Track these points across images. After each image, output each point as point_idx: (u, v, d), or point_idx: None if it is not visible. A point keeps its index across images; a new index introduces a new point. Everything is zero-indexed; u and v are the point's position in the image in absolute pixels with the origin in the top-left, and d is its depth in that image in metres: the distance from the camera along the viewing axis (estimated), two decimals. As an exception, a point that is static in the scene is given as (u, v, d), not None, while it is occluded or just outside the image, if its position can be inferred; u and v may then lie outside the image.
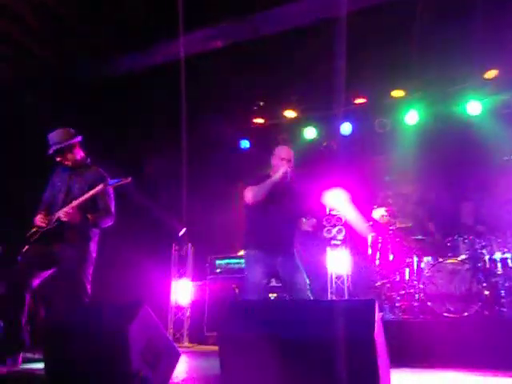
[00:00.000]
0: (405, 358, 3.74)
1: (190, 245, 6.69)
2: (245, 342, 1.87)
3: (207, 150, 6.81)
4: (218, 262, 6.53)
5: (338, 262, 6.19)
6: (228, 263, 6.51)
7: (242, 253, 6.51)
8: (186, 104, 4.73)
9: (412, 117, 6.43)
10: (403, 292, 5.09)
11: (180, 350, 2.62)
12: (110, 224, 3.55)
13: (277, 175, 3.55)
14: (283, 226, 3.59)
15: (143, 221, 6.17)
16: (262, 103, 6.73)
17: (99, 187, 3.32)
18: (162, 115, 6.20)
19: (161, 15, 4.63)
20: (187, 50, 4.92)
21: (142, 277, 5.97)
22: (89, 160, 3.66)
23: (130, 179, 3.35)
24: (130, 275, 5.98)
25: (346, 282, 6.15)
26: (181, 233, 6.46)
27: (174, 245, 6.68)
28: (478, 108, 6.08)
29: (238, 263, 6.45)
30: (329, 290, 6.24)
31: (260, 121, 7.04)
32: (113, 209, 3.55)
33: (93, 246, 3.50)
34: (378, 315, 1.98)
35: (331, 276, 6.24)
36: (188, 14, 4.61)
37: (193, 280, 6.60)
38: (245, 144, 7.31)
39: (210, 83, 5.89)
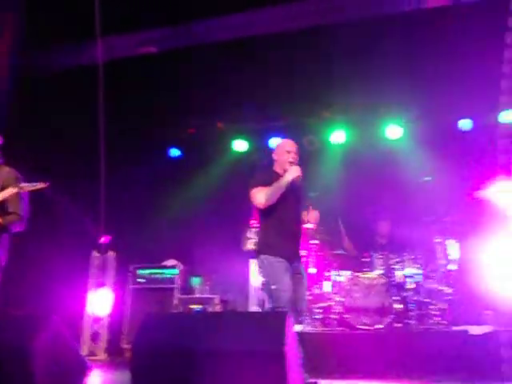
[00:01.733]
0: (322, 369, 3.85)
1: (111, 253, 6.46)
2: (156, 356, 1.83)
3: (134, 156, 6.64)
4: (140, 271, 6.36)
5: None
6: (151, 273, 6.36)
7: (167, 262, 6.41)
8: (106, 107, 4.55)
9: (338, 136, 6.69)
10: (323, 304, 5.25)
11: (95, 362, 2.52)
12: (20, 229, 3.34)
13: (289, 176, 3.31)
14: (297, 227, 3.44)
15: (60, 226, 5.88)
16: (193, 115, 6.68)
17: (10, 190, 3.12)
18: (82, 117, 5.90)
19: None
20: (119, 53, 4.80)
21: (57, 286, 5.66)
22: (1, 160, 3.44)
23: (47, 184, 3.19)
24: (44, 284, 5.66)
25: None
26: (101, 240, 6.22)
27: (93, 252, 6.41)
28: (399, 132, 6.48)
29: (161, 273, 6.32)
30: (250, 302, 6.28)
31: (192, 130, 6.98)
32: (24, 213, 3.34)
33: (1, 252, 3.27)
34: (290, 328, 2.03)
35: (253, 287, 6.27)
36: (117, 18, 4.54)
37: (114, 290, 6.36)
38: (175, 152, 7.22)
39: (140, 88, 5.77)
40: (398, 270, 5.06)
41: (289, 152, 3.44)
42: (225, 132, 7.05)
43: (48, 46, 5.40)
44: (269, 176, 3.41)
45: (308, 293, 5.35)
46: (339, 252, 5.52)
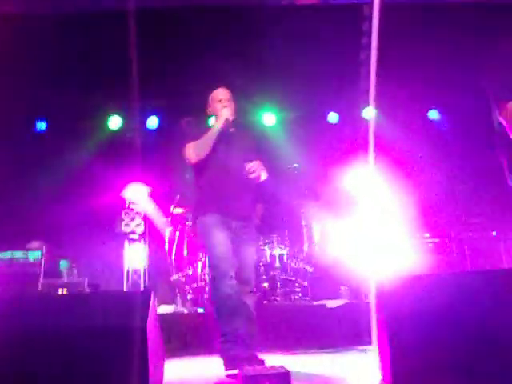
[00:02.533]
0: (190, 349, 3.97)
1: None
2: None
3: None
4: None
5: (136, 256, 6.16)
6: (12, 257, 5.85)
7: (31, 244, 5.95)
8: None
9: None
10: (195, 285, 5.35)
11: None
12: None
13: (217, 123, 3.03)
14: (236, 183, 3.02)
15: None
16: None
17: None
18: None
19: None
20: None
21: None
22: None
23: None
24: None
25: (142, 276, 6.16)
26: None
27: None
28: (273, 119, 6.81)
29: (23, 257, 5.85)
30: (125, 284, 6.16)
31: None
32: None
33: None
34: (152, 307, 2.06)
35: (127, 270, 6.17)
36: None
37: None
38: (41, 126, 6.68)
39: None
40: (267, 250, 5.35)
41: (220, 100, 3.15)
42: (100, 108, 6.71)
43: None
44: (203, 131, 3.07)
45: (180, 274, 5.44)
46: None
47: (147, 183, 5.72)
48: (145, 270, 6.24)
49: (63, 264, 6.18)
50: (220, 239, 2.89)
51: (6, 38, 4.85)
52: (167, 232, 5.60)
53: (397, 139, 6.21)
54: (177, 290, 5.46)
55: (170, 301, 5.46)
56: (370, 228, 5.02)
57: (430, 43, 5.25)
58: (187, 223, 5.38)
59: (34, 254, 5.83)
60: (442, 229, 6.12)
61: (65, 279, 5.96)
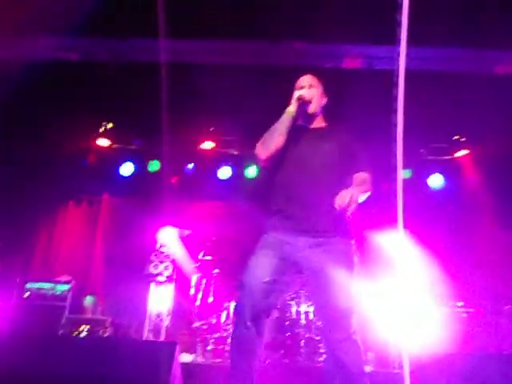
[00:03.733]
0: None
1: (-3, 262, 5.95)
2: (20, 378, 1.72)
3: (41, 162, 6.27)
4: (29, 285, 5.90)
5: (160, 300, 6.13)
6: (40, 288, 5.93)
7: (61, 278, 6.03)
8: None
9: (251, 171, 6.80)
10: (218, 335, 5.24)
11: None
12: None
13: (291, 107, 2.43)
14: (317, 191, 2.32)
15: None
16: (110, 125, 6.50)
17: None
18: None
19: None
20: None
21: None
22: None
23: None
24: None
25: (164, 320, 6.09)
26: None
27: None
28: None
29: (52, 289, 5.92)
30: (146, 326, 6.10)
31: (105, 142, 6.74)
32: None
33: None
34: (177, 359, 2.03)
35: (151, 312, 6.12)
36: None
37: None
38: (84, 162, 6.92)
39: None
40: (293, 305, 5.22)
41: (302, 87, 2.54)
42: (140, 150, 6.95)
43: None
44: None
45: (203, 322, 5.36)
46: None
47: (179, 227, 5.78)
48: (168, 313, 6.18)
49: (89, 300, 6.22)
50: (258, 267, 2.24)
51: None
52: (194, 278, 5.58)
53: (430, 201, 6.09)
54: (198, 339, 5.36)
55: (190, 349, 5.35)
56: (402, 293, 4.85)
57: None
58: (214, 271, 5.35)
59: (63, 288, 5.89)
60: (478, 298, 5.84)
61: (89, 315, 5.97)
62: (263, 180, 2.48)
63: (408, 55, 1.58)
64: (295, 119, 2.47)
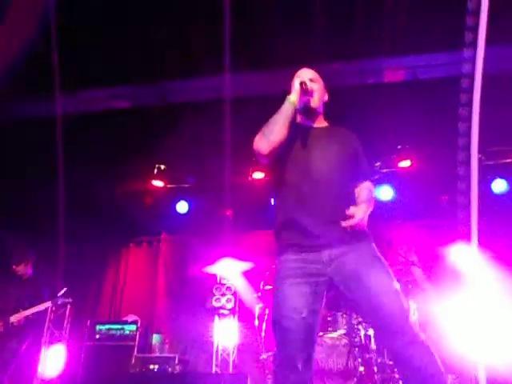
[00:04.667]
0: None
1: (68, 306, 6.18)
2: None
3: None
4: (98, 327, 6.09)
5: (226, 333, 6.11)
6: (109, 328, 6.10)
7: (128, 318, 6.17)
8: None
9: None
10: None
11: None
12: None
13: (290, 97, 2.18)
14: (329, 198, 2.09)
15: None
16: (163, 166, 6.73)
17: None
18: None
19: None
20: (90, 107, 4.86)
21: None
22: None
23: None
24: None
25: (231, 354, 6.05)
26: (61, 292, 5.97)
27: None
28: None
29: (120, 329, 6.07)
30: (214, 361, 6.07)
31: (159, 184, 6.96)
32: None
33: None
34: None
35: (217, 346, 6.10)
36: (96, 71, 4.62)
37: (67, 346, 6.03)
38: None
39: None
40: (361, 330, 5.03)
41: (299, 77, 2.35)
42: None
43: None
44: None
45: (270, 353, 5.25)
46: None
47: (239, 259, 5.79)
48: (234, 346, 6.13)
49: (156, 338, 6.31)
50: (290, 301, 2.00)
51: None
52: (257, 308, 5.53)
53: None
54: (267, 371, 5.25)
55: (260, 381, 5.26)
56: (479, 310, 4.55)
57: None
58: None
59: (130, 327, 6.03)
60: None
61: (156, 354, 6.04)
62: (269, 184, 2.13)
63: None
64: (295, 112, 2.25)
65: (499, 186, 6.34)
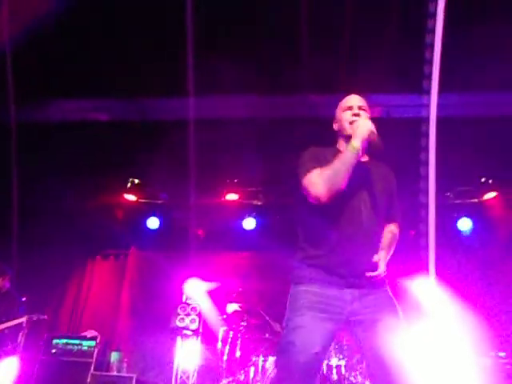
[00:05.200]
0: None
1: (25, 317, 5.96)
2: None
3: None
4: (55, 341, 5.88)
5: (187, 354, 5.99)
6: (67, 343, 5.89)
7: (87, 333, 6.00)
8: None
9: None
10: (246, 392, 5.05)
11: None
12: None
13: (356, 139, 2.05)
14: (364, 240, 2.11)
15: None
16: (137, 181, 6.68)
17: None
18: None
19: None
20: (66, 116, 4.82)
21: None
22: None
23: None
24: None
25: (191, 377, 5.93)
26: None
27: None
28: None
29: (78, 344, 5.88)
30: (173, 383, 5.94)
31: (132, 198, 6.90)
32: None
33: None
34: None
35: (177, 368, 5.98)
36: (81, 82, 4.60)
37: (21, 360, 5.79)
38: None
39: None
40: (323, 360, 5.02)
41: (350, 108, 2.26)
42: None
43: None
44: (326, 155, 2.17)
45: (231, 378, 5.19)
46: (267, 336, 5.44)
47: (206, 279, 5.74)
48: (195, 369, 6.01)
49: (114, 356, 6.14)
50: (309, 335, 1.97)
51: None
52: (221, 331, 5.47)
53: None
54: (226, 397, 5.17)
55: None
56: (438, 344, 4.63)
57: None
58: (242, 323, 5.24)
59: (89, 343, 5.84)
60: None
61: (114, 372, 5.86)
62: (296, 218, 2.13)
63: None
64: (338, 136, 2.30)
65: (465, 224, 6.55)
